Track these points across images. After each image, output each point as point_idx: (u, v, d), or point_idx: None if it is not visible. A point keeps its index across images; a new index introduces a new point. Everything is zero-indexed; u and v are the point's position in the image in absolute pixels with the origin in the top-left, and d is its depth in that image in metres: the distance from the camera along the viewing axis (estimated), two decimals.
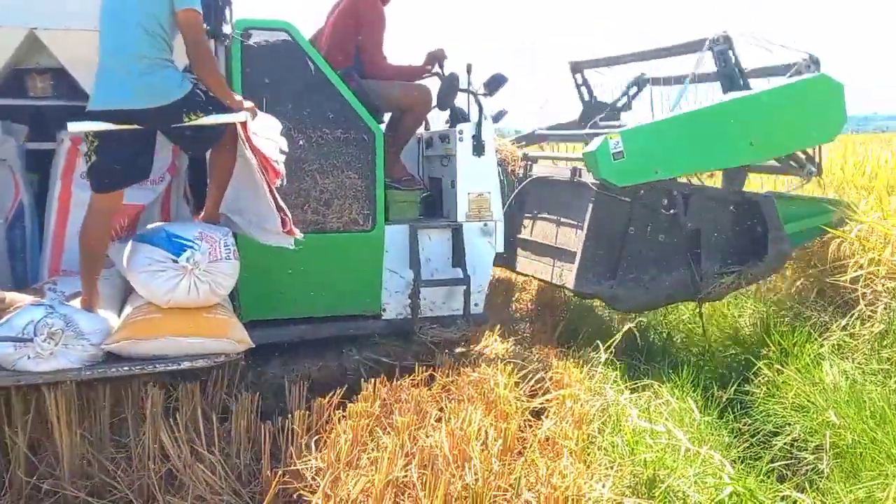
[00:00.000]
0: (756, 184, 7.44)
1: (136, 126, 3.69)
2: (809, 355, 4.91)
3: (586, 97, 7.31)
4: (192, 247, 3.77)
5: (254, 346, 4.04)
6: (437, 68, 5.34)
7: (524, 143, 7.32)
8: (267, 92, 4.42)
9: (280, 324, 4.71)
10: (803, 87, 5.56)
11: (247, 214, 4.22)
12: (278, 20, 4.52)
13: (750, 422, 4.74)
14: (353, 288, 4.82)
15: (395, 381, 4.38)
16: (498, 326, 5.39)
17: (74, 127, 3.68)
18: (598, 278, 5.43)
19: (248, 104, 3.88)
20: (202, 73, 3.80)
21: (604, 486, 3.43)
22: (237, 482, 3.65)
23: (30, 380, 3.58)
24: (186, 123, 3.76)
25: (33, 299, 3.79)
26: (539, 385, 4.56)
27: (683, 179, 5.84)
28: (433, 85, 5.37)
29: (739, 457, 4.19)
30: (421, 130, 5.71)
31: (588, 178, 5.42)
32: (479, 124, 5.06)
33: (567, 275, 5.47)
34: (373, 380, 4.35)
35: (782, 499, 3.67)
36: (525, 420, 4.20)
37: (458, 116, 5.32)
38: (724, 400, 4.88)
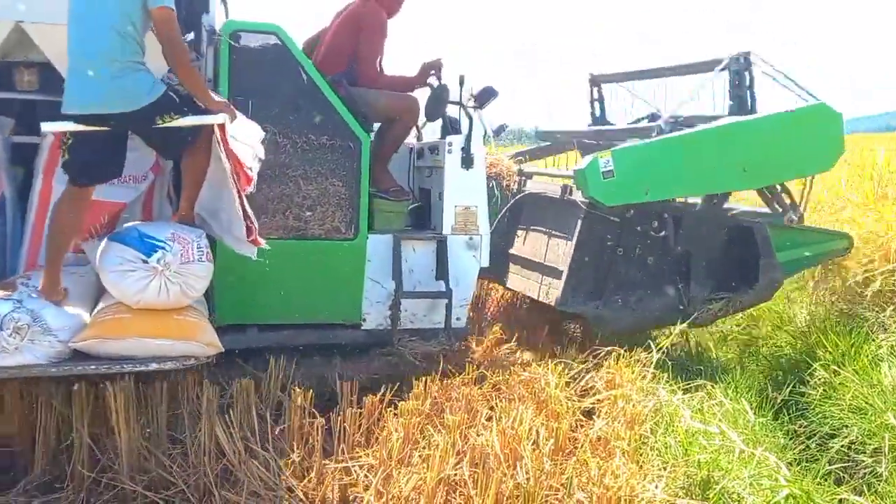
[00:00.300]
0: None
1: (108, 128, 3.69)
2: (867, 356, 4.81)
3: (598, 113, 7.18)
4: (163, 247, 3.74)
5: (223, 349, 3.99)
6: (432, 79, 5.30)
7: (522, 158, 7.19)
8: (254, 95, 4.39)
9: (257, 329, 4.66)
10: (801, 115, 5.48)
11: (220, 218, 4.18)
12: (268, 23, 4.49)
13: (806, 423, 4.66)
14: (333, 296, 4.77)
15: (445, 380, 4.38)
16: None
17: (48, 126, 3.70)
18: (583, 297, 5.37)
19: (225, 104, 3.82)
20: (178, 71, 3.75)
21: (657, 487, 3.41)
22: (291, 478, 3.68)
23: None
24: (161, 125, 3.73)
25: (3, 293, 3.73)
26: (590, 385, 4.54)
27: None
28: (426, 96, 5.34)
29: (795, 459, 4.12)
30: (412, 141, 5.66)
31: (578, 196, 5.35)
32: (468, 137, 5.00)
33: (553, 292, 5.41)
34: (423, 378, 4.37)
35: (840, 502, 3.61)
36: (576, 420, 4.19)
37: (449, 128, 5.26)
38: (778, 401, 4.81)
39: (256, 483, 3.62)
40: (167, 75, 4.00)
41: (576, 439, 3.94)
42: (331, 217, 4.63)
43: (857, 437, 4.28)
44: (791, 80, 5.63)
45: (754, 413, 4.36)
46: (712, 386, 4.66)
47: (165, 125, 3.74)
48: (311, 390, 4.03)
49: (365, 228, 4.73)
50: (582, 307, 5.35)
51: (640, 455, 3.78)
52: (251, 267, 4.13)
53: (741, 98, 5.65)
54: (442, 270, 4.94)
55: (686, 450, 3.72)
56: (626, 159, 5.03)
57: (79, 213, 3.88)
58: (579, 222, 5.30)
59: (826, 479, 3.85)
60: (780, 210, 5.76)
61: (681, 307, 5.49)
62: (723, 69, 5.65)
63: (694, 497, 3.42)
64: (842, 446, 4.26)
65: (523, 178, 6.44)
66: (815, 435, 4.52)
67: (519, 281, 5.89)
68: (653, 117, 6.45)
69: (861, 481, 4.02)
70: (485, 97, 5.32)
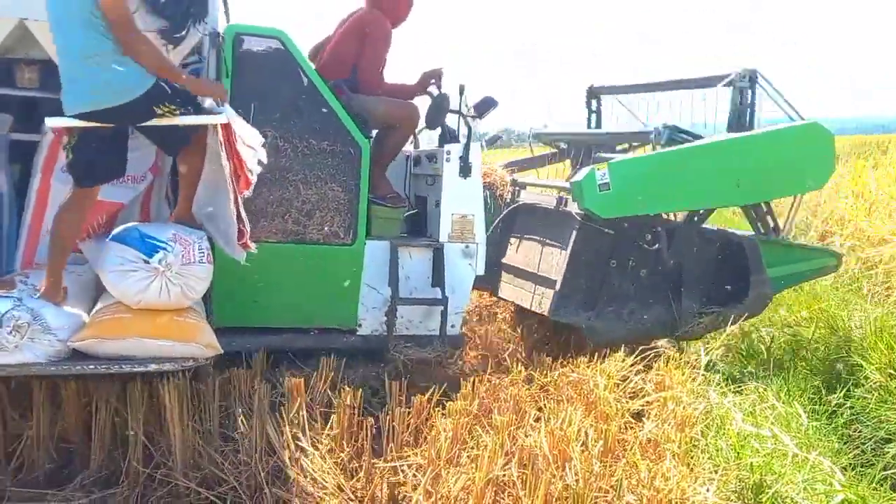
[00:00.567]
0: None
1: (110, 125, 3.68)
2: None
3: (594, 125, 7.19)
4: (164, 248, 3.74)
5: (222, 351, 3.98)
6: (432, 87, 5.32)
7: (516, 168, 7.14)
8: (256, 99, 4.38)
9: (253, 332, 4.63)
10: (794, 133, 5.54)
11: (215, 220, 4.18)
12: (271, 27, 4.50)
13: (860, 428, 4.58)
14: (330, 301, 4.76)
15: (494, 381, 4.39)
16: None
17: (52, 122, 3.70)
18: (576, 308, 5.38)
19: (210, 83, 3.73)
20: (137, 58, 3.61)
21: (708, 491, 3.38)
22: (340, 476, 3.71)
23: None
24: (160, 115, 3.69)
25: (2, 291, 3.73)
26: (639, 387, 4.51)
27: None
28: (426, 104, 5.36)
29: (850, 464, 4.06)
30: (409, 148, 5.66)
31: (573, 207, 5.36)
32: (467, 146, 5.00)
33: (546, 302, 5.41)
34: (471, 378, 4.38)
35: None
36: (625, 422, 4.16)
37: (447, 136, 5.27)
38: (832, 405, 4.73)
39: (307, 481, 3.66)
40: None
41: (625, 441, 3.92)
42: (329, 222, 4.63)
43: None
44: (787, 103, 5.72)
45: (807, 416, 4.30)
46: (764, 388, 4.60)
47: (167, 120, 3.71)
48: (360, 389, 4.06)
49: (363, 234, 4.74)
50: (574, 317, 5.37)
51: (691, 458, 3.75)
52: (249, 270, 4.13)
53: (741, 114, 5.69)
54: (438, 278, 4.96)
55: (738, 453, 3.68)
56: (622, 172, 5.06)
57: (83, 214, 3.89)
58: (574, 233, 5.33)
59: (882, 485, 3.79)
60: (763, 231, 5.83)
61: (672, 320, 5.54)
62: (727, 84, 5.69)
63: (746, 501, 3.39)
64: None
65: (517, 188, 6.44)
66: (870, 440, 4.43)
67: (511, 290, 5.91)
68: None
69: None
70: (484, 107, 5.37)
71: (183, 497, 3.66)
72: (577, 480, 3.33)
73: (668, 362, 4.74)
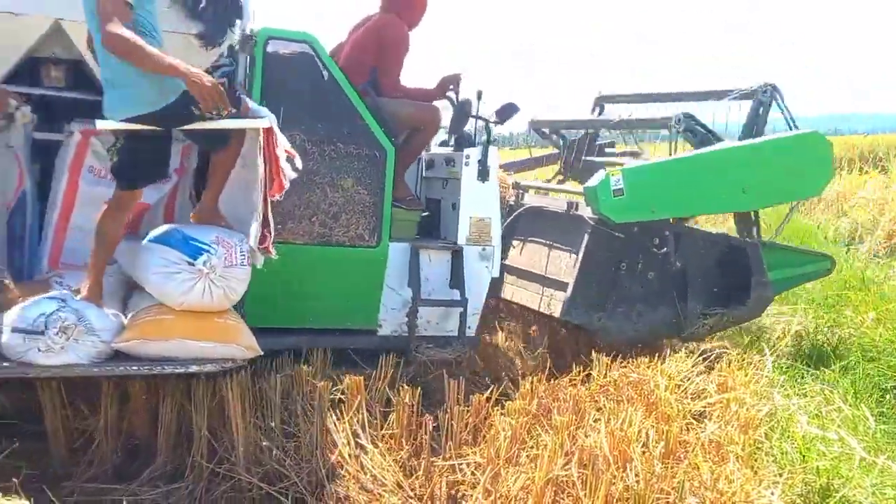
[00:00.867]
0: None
1: (152, 127, 3.71)
2: None
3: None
4: (208, 251, 3.75)
5: (262, 353, 3.99)
6: (450, 93, 5.33)
7: (513, 169, 7.27)
8: (285, 102, 4.39)
9: (276, 333, 4.60)
10: (796, 141, 5.74)
11: (240, 221, 4.19)
12: (301, 32, 4.50)
13: None
14: (353, 302, 4.79)
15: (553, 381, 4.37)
16: None
17: (102, 124, 3.71)
18: (587, 309, 5.47)
19: (209, 90, 3.53)
20: (144, 69, 3.51)
21: (773, 494, 3.31)
22: (399, 474, 3.73)
23: (37, 373, 3.56)
24: (201, 119, 3.69)
25: (47, 292, 3.75)
26: (701, 388, 4.45)
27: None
28: (444, 108, 5.34)
29: None
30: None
31: (585, 211, 5.49)
32: (485, 150, 5.05)
33: (556, 304, 5.50)
34: (530, 378, 4.36)
35: None
36: (686, 423, 4.11)
37: (464, 140, 5.29)
38: None
39: (367, 478, 3.69)
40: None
41: (686, 443, 3.86)
42: (355, 225, 4.66)
43: None
44: (793, 120, 5.94)
45: (875, 419, 4.20)
46: (830, 391, 4.50)
47: (210, 123, 3.73)
48: (419, 387, 4.08)
49: (387, 237, 4.77)
50: (585, 318, 5.47)
51: (755, 460, 3.69)
52: (277, 271, 4.15)
53: (756, 125, 5.85)
54: (457, 280, 4.99)
55: (804, 456, 3.61)
56: (635, 178, 5.23)
57: (126, 216, 3.92)
58: (586, 237, 5.42)
59: None
60: (748, 236, 5.98)
61: (678, 321, 5.68)
62: (746, 97, 5.88)
63: None
64: None
65: (519, 191, 6.50)
66: None
67: (516, 292, 5.95)
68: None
69: None
70: (507, 113, 5.46)
71: (245, 492, 3.72)
72: (637, 482, 3.30)
73: (730, 363, 4.67)
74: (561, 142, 7.15)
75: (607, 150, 7.10)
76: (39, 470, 3.81)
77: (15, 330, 3.45)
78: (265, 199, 3.90)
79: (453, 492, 3.67)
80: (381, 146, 4.68)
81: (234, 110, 3.77)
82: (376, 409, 4.10)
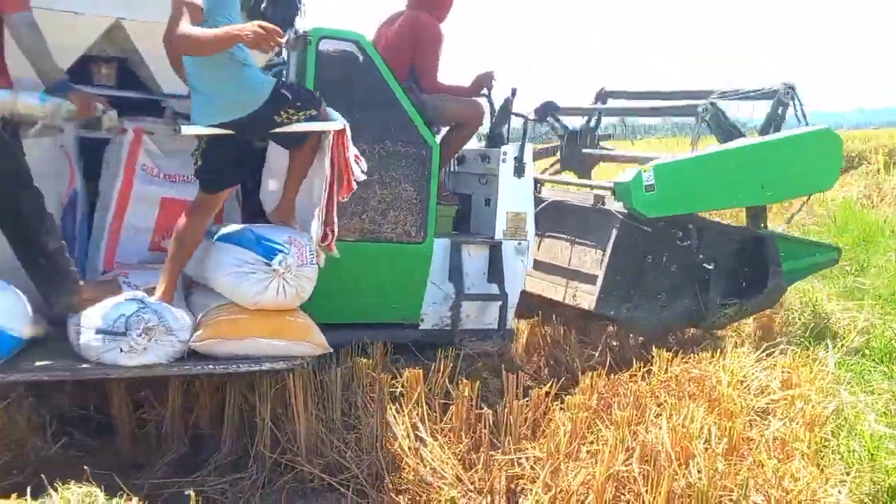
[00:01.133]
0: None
1: (235, 132, 3.77)
2: None
3: (592, 124, 7.38)
4: (282, 251, 3.79)
5: (331, 350, 4.06)
6: (484, 90, 5.35)
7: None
8: (336, 100, 4.35)
9: (322, 329, 4.52)
10: (810, 137, 5.90)
11: (299, 219, 4.25)
12: (351, 31, 4.56)
13: None
14: (398, 297, 4.84)
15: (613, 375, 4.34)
16: None
17: (187, 130, 3.78)
18: (616, 301, 5.58)
19: (264, 33, 3.49)
20: (200, 52, 3.55)
21: (840, 493, 3.25)
22: (459, 467, 3.74)
23: (119, 374, 3.59)
24: (282, 125, 3.79)
25: (117, 292, 3.77)
26: (765, 385, 4.38)
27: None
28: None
29: None
30: None
31: (613, 206, 5.62)
32: (522, 146, 5.12)
33: (583, 296, 5.64)
34: (590, 373, 4.34)
35: None
36: (749, 420, 4.04)
37: (497, 137, 5.34)
38: None
39: (426, 471, 3.71)
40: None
41: (750, 440, 3.80)
42: (402, 221, 4.71)
43: None
44: (804, 117, 6.05)
45: None
46: None
47: (288, 127, 3.82)
48: (478, 381, 4.08)
49: (432, 233, 4.82)
50: (615, 310, 5.59)
51: (821, 458, 3.62)
52: (329, 268, 4.20)
53: (776, 123, 6.00)
54: (496, 274, 5.06)
55: (872, 455, 3.54)
56: (665, 174, 5.37)
57: (208, 219, 3.96)
58: (615, 231, 5.54)
59: None
60: (755, 222, 6.15)
61: (699, 311, 5.82)
62: (766, 97, 6.04)
63: None
64: None
65: (537, 185, 6.47)
66: None
67: (538, 284, 5.98)
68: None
69: None
70: (546, 111, 5.67)
71: (307, 483, 3.76)
72: (700, 478, 3.26)
73: (794, 359, 4.58)
74: (562, 131, 7.24)
75: (601, 143, 7.33)
76: (107, 460, 3.91)
77: (97, 331, 3.49)
78: (330, 199, 3.96)
79: (512, 486, 3.67)
80: (426, 143, 4.74)
81: (314, 112, 3.86)
82: (435, 402, 4.12)
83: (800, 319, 6.26)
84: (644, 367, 4.62)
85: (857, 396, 4.16)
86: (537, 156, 7.34)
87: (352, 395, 4.06)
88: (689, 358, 4.77)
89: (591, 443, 3.72)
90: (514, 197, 5.14)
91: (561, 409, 4.03)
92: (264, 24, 3.49)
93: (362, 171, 4.06)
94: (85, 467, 3.15)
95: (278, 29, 3.54)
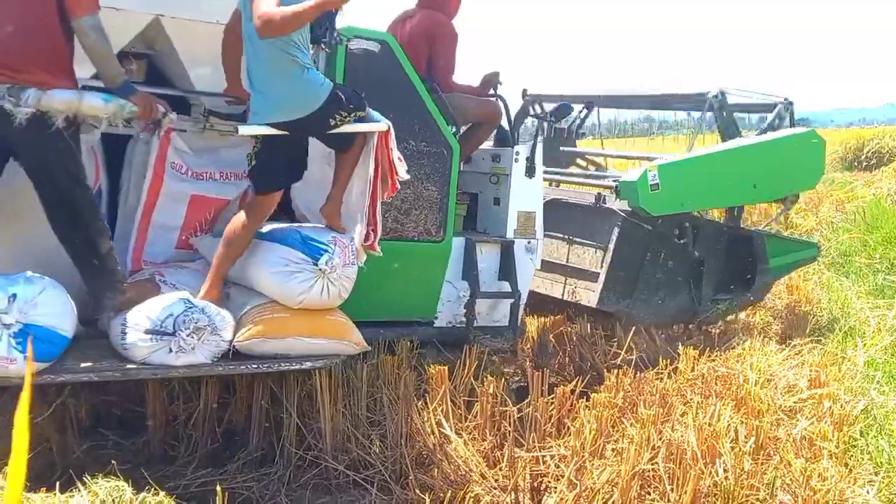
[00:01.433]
0: None
1: (290, 132, 3.79)
2: None
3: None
4: (327, 251, 3.80)
5: (369, 348, 4.07)
6: (492, 90, 5.40)
7: None
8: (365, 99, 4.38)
9: None
10: (796, 139, 6.22)
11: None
12: (379, 31, 4.61)
13: None
14: (416, 294, 4.87)
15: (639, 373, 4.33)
16: None
17: (244, 130, 3.80)
18: (617, 297, 5.78)
19: None
20: (286, 28, 3.49)
21: (869, 493, 3.22)
22: (483, 464, 3.75)
23: (165, 373, 3.60)
24: (335, 127, 3.81)
25: (156, 292, 3.77)
26: (792, 383, 4.34)
27: None
28: None
29: None
30: None
31: (615, 204, 5.79)
32: (534, 146, 5.18)
33: (583, 293, 5.84)
34: (615, 371, 4.32)
35: None
36: (777, 419, 4.01)
37: (507, 138, 5.37)
38: None
39: (450, 468, 3.72)
40: None
41: (777, 439, 3.78)
42: (424, 220, 4.74)
43: None
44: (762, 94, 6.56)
45: None
46: None
47: (339, 130, 3.84)
48: (504, 378, 4.08)
49: (451, 232, 4.84)
50: (616, 306, 5.78)
51: (850, 458, 3.58)
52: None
53: (728, 125, 6.30)
54: (508, 272, 5.11)
55: None
56: (669, 173, 5.55)
57: (261, 220, 3.95)
58: (616, 229, 5.74)
59: None
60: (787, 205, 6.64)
61: (692, 307, 6.07)
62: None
63: None
64: None
65: None
66: None
67: (534, 281, 5.93)
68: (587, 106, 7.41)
69: None
70: (562, 113, 5.73)
71: (332, 478, 3.77)
72: (726, 477, 3.24)
73: (822, 358, 4.54)
74: (545, 125, 7.31)
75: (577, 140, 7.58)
76: (136, 454, 3.95)
77: (146, 331, 3.50)
78: (374, 199, 4.00)
79: (537, 483, 3.67)
80: (448, 143, 4.76)
81: (362, 113, 3.89)
82: (460, 399, 4.13)
83: (828, 317, 6.21)
84: (671, 365, 4.59)
85: (888, 396, 4.10)
86: None
87: (377, 392, 4.08)
88: (716, 356, 4.75)
89: (617, 441, 3.71)
90: (524, 196, 5.19)
91: (586, 406, 4.02)
92: None
93: (406, 172, 4.08)
94: (112, 462, 3.19)
95: None
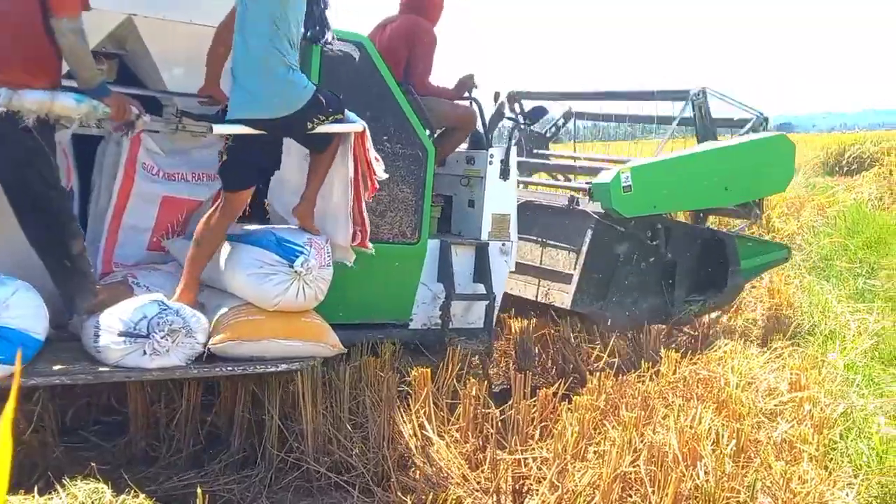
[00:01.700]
0: None
1: (267, 132, 3.78)
2: None
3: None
4: (303, 252, 3.79)
5: (346, 350, 4.08)
6: (466, 93, 5.41)
7: None
8: None
9: None
10: (768, 143, 6.31)
11: (324, 222, 4.21)
12: (354, 33, 4.57)
13: None
14: (391, 297, 4.87)
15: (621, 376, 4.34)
16: None
17: (219, 129, 3.78)
18: (590, 299, 5.80)
19: None
20: None
21: (848, 495, 3.24)
22: (465, 466, 3.74)
23: (139, 376, 3.56)
24: (312, 129, 3.81)
25: (129, 294, 3.74)
26: (773, 387, 4.37)
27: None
28: None
29: None
30: None
31: (588, 206, 5.82)
32: (508, 149, 5.22)
33: (556, 294, 5.84)
34: (598, 374, 4.33)
35: None
36: (757, 421, 4.03)
37: (481, 141, 5.38)
38: None
39: (432, 470, 3.71)
40: None
41: (758, 441, 3.80)
42: (399, 222, 4.75)
43: None
44: (739, 103, 6.59)
45: None
46: None
47: (315, 131, 3.84)
48: (486, 381, 4.08)
49: (426, 234, 4.85)
50: (588, 308, 5.79)
51: (829, 461, 3.61)
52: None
53: (705, 124, 6.33)
54: (483, 274, 5.13)
55: (881, 458, 3.52)
56: (642, 175, 5.61)
57: (232, 219, 3.91)
58: (590, 231, 5.76)
59: None
60: (746, 211, 6.55)
61: (665, 309, 6.10)
62: (687, 101, 6.34)
63: None
64: None
65: None
66: None
67: (507, 283, 5.95)
68: (566, 116, 7.71)
69: None
70: (536, 115, 5.82)
71: (314, 481, 3.76)
72: (707, 480, 3.25)
73: (803, 361, 4.57)
74: (523, 127, 7.32)
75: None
76: (117, 455, 3.92)
77: (119, 333, 3.46)
78: (358, 199, 4.00)
79: (519, 486, 3.67)
80: (423, 146, 4.77)
81: (340, 116, 3.88)
82: (443, 401, 4.12)
83: (809, 321, 6.25)
84: (652, 367, 4.61)
85: (867, 399, 4.13)
86: None
87: (359, 395, 4.06)
88: (698, 359, 4.76)
89: (599, 443, 3.71)
90: (499, 199, 5.22)
91: (568, 409, 4.02)
92: None
93: (384, 171, 4.08)
94: (92, 464, 3.16)
95: None
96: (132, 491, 3.00)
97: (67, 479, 2.94)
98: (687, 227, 6.53)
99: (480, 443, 3.95)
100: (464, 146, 5.47)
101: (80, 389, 4.08)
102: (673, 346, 5.40)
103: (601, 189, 5.53)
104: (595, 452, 3.64)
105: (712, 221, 7.50)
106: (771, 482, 3.35)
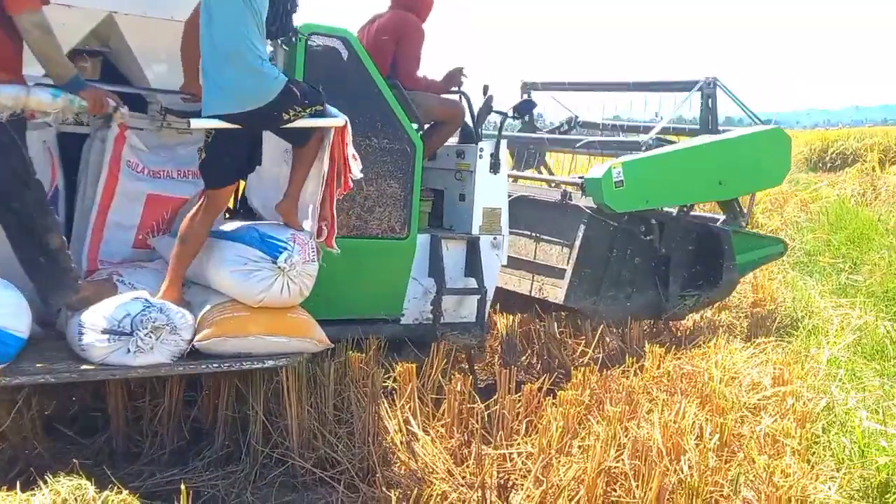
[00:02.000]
0: None
1: (243, 126, 3.76)
2: None
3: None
4: (286, 248, 3.78)
5: (332, 346, 4.07)
6: (454, 86, 5.41)
7: None
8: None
9: None
10: (763, 136, 6.33)
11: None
12: (339, 27, 4.56)
13: None
14: (382, 292, 4.86)
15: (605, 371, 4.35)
16: None
17: (197, 123, 3.76)
18: (583, 294, 5.80)
19: None
20: None
21: (830, 489, 3.26)
22: (450, 462, 3.75)
23: (124, 374, 3.56)
24: (289, 121, 3.80)
25: (113, 291, 3.74)
26: (756, 381, 4.39)
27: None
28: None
29: None
30: None
31: (581, 201, 5.84)
32: (497, 143, 5.20)
33: (550, 289, 5.87)
34: (582, 368, 4.34)
35: None
36: (741, 416, 4.05)
37: (471, 134, 5.36)
38: None
39: (417, 465, 3.71)
40: None
41: (741, 436, 3.82)
42: (387, 217, 4.74)
43: None
44: (742, 104, 6.59)
45: None
46: (890, 386, 4.40)
47: (293, 124, 3.82)
48: (471, 376, 4.08)
49: (416, 228, 4.85)
50: (582, 303, 5.81)
51: (812, 455, 3.63)
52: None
53: (710, 116, 6.40)
54: (474, 268, 5.12)
55: (863, 451, 3.54)
56: (634, 170, 5.61)
57: (215, 216, 3.92)
58: (582, 226, 5.77)
59: None
60: (733, 216, 6.54)
61: (660, 303, 6.10)
62: (697, 90, 6.42)
63: (872, 501, 3.26)
64: None
65: None
66: None
67: (501, 278, 6.00)
68: (569, 122, 7.67)
69: None
70: (524, 109, 5.98)
71: (298, 476, 3.75)
72: (691, 474, 3.27)
73: (786, 356, 4.59)
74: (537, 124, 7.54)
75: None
76: (100, 451, 3.90)
77: (102, 331, 3.45)
78: (330, 195, 3.98)
79: (504, 480, 3.68)
80: (411, 141, 4.76)
81: (320, 108, 3.86)
82: (428, 396, 4.12)
83: (792, 316, 6.29)
84: (637, 362, 4.62)
85: (849, 393, 4.16)
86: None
87: (344, 390, 4.05)
88: (682, 354, 4.78)
89: (583, 438, 3.72)
90: (489, 193, 5.20)
91: (553, 404, 4.03)
92: None
93: (360, 171, 4.06)
94: (74, 460, 3.15)
95: None
96: (115, 487, 2.98)
97: (50, 476, 2.92)
98: (682, 222, 6.41)
99: (465, 438, 3.96)
100: (455, 139, 5.46)
101: (63, 386, 4.04)
102: (657, 341, 5.41)
103: (593, 184, 5.54)
104: (580, 447, 3.65)
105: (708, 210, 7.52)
106: (754, 476, 3.37)
